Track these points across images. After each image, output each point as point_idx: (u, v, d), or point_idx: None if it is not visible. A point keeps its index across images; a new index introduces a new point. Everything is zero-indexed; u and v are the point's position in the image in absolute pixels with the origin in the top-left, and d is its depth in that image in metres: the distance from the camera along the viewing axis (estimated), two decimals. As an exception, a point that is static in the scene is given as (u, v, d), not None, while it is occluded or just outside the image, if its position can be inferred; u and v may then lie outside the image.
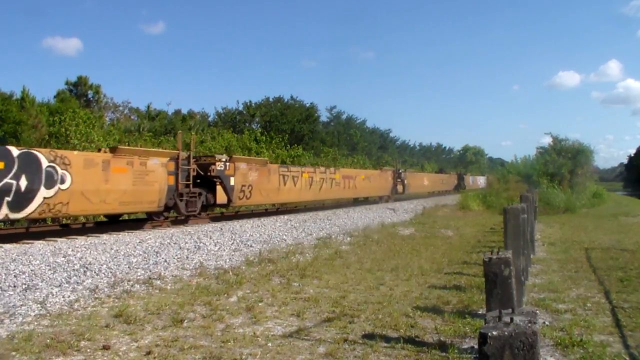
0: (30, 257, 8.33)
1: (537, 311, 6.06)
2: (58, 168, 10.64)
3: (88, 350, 4.67)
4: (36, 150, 10.57)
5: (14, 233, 11.47)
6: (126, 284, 7.45)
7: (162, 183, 13.08)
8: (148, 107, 38.69)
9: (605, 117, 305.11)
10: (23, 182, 9.99)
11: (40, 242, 10.27)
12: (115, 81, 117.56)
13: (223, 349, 4.74)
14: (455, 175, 51.42)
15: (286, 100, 49.55)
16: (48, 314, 5.83)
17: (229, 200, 15.39)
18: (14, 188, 9.82)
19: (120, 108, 41.10)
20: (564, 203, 25.37)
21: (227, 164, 15.27)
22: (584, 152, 32.29)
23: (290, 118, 45.55)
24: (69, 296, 6.62)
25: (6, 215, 9.78)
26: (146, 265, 8.70)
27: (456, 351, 4.62)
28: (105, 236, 11.20)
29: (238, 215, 17.78)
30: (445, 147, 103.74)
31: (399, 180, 32.36)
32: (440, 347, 4.75)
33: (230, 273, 8.37)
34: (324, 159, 37.44)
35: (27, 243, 10.03)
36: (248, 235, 12.58)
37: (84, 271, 7.89)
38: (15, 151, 9.97)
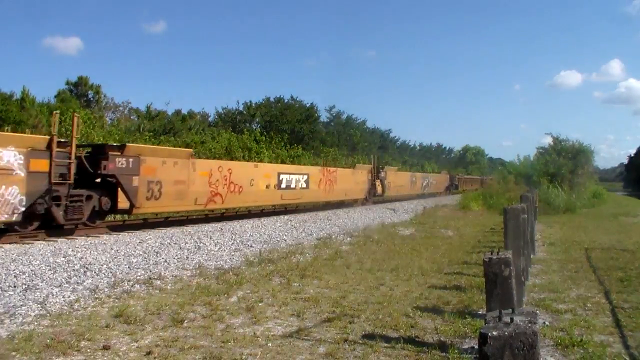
0: (30, 257, 8.34)
1: (537, 311, 6.06)
2: None
3: (88, 350, 4.67)
4: None
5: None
6: (126, 284, 7.45)
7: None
8: (148, 107, 38.72)
9: (607, 117, 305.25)
10: None
11: (40, 242, 10.27)
12: (115, 81, 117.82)
13: (223, 349, 4.74)
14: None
15: (286, 100, 49.61)
16: (48, 314, 5.82)
17: None
18: None
19: (121, 108, 41.17)
20: (564, 203, 25.35)
21: None
22: (585, 152, 32.31)
23: (290, 118, 45.59)
24: (69, 296, 6.62)
25: None
26: (146, 266, 8.70)
27: (456, 351, 4.62)
28: (105, 236, 11.21)
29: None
30: (445, 147, 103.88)
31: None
32: (440, 347, 4.75)
33: (231, 273, 8.37)
34: (324, 159, 37.43)
35: (27, 243, 10.04)
36: (248, 235, 12.59)
37: (84, 271, 7.89)
38: None
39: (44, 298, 6.45)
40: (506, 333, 2.23)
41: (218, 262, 9.43)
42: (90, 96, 36.79)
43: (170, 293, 7.02)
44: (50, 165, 10.71)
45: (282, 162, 29.68)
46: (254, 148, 30.70)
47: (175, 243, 10.65)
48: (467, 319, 5.74)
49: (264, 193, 18.08)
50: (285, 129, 42.22)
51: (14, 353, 4.54)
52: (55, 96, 32.91)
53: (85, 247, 9.41)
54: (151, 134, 29.66)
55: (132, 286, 7.33)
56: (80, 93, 36.11)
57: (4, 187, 9.88)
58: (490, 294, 4.02)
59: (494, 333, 2.23)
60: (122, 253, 9.28)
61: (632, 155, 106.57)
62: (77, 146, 11.83)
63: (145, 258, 9.16)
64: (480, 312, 5.96)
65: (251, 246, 11.39)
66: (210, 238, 11.61)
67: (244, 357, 4.55)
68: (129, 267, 8.47)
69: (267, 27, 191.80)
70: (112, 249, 9.52)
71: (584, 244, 12.61)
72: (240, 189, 16.58)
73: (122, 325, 5.44)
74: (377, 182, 27.56)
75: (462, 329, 5.39)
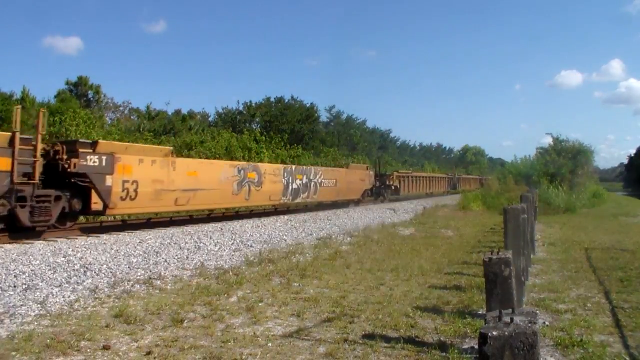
0: (30, 257, 8.34)
1: (537, 311, 6.06)
2: None
3: (88, 350, 4.67)
4: None
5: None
6: (126, 284, 7.45)
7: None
8: (148, 107, 38.72)
9: (607, 117, 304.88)
10: None
11: (40, 242, 10.27)
12: (115, 81, 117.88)
13: (223, 349, 4.74)
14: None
15: (286, 100, 49.65)
16: (48, 314, 5.82)
17: None
18: None
19: (121, 108, 41.17)
20: (564, 203, 25.35)
21: None
22: (584, 152, 32.33)
23: (290, 118, 45.62)
24: (69, 296, 6.62)
25: None
26: (146, 265, 8.70)
27: (456, 351, 4.61)
28: (105, 236, 11.21)
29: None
30: (445, 147, 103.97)
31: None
32: (440, 347, 4.75)
33: (231, 273, 8.36)
34: (324, 159, 37.42)
35: (27, 243, 10.04)
36: (248, 235, 12.59)
37: (84, 271, 7.90)
38: None
39: (44, 298, 6.45)
40: (506, 333, 2.23)
41: (218, 262, 9.43)
42: (90, 96, 36.78)
43: (170, 293, 7.02)
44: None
45: (282, 162, 29.61)
46: (253, 148, 30.72)
47: (175, 243, 10.65)
48: (467, 319, 5.74)
49: None
50: (285, 129, 42.23)
51: (14, 353, 4.54)
52: (55, 96, 32.92)
53: (85, 247, 9.41)
54: (151, 134, 29.69)
55: (132, 286, 7.33)
56: (80, 93, 36.10)
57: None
58: (490, 293, 4.02)
59: (494, 333, 2.23)
60: (122, 253, 9.28)
61: (632, 155, 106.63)
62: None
63: (145, 258, 9.16)
64: (480, 312, 5.96)
65: (251, 246, 11.39)
66: (210, 238, 11.61)
67: (244, 357, 4.55)
68: (128, 267, 8.47)
69: (267, 27, 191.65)
70: (112, 248, 9.52)
71: (584, 244, 12.60)
72: None
73: (122, 325, 5.43)
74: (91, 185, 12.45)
75: (462, 329, 5.39)
